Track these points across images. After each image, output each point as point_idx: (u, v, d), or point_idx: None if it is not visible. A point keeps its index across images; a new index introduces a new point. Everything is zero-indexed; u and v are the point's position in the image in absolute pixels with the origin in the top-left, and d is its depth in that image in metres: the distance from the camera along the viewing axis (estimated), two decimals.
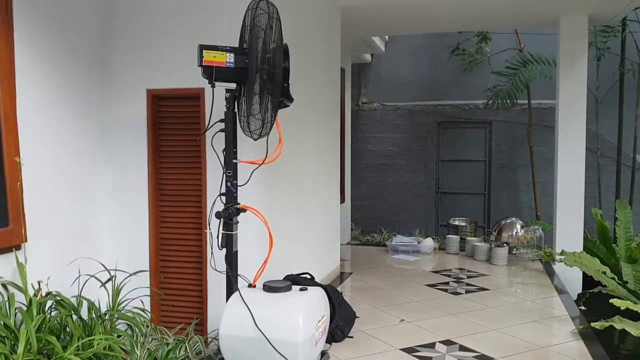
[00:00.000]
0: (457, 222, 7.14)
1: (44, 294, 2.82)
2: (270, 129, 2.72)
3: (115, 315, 3.10)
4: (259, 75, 2.72)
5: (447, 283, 5.15)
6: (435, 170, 8.15)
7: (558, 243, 5.68)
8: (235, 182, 2.92)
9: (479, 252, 6.20)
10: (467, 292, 4.84)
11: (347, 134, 7.52)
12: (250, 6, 2.79)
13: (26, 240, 2.82)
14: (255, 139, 2.77)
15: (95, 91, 3.51)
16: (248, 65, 2.75)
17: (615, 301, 3.57)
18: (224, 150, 2.92)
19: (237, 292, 2.80)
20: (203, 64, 2.72)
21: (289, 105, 2.84)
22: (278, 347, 2.60)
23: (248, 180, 2.98)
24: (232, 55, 2.76)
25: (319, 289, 3.06)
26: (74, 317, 2.78)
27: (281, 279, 3.38)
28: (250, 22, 2.79)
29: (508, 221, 6.40)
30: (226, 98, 2.88)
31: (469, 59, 7.64)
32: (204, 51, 2.71)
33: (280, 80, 2.66)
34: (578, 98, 5.67)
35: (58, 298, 2.82)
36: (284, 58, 2.68)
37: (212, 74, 2.73)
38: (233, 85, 2.86)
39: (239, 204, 2.93)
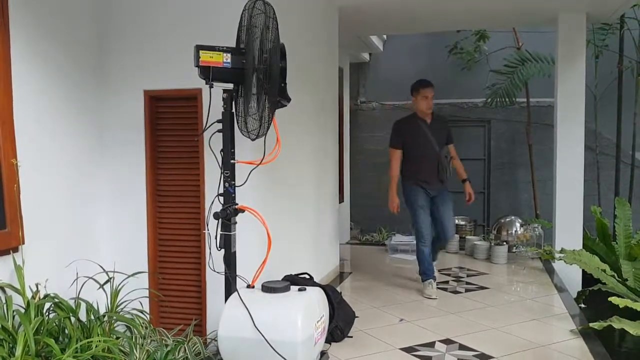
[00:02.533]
0: (456, 221, 7.13)
1: (41, 296, 2.81)
2: (267, 129, 2.71)
3: (114, 317, 3.09)
4: (256, 75, 2.71)
5: (447, 282, 5.15)
6: None
7: (557, 241, 5.68)
8: (233, 182, 2.92)
9: (478, 251, 6.19)
10: (466, 290, 4.84)
11: (346, 134, 7.51)
12: (246, 6, 2.78)
13: (23, 243, 2.81)
14: (252, 139, 2.77)
15: (92, 92, 3.50)
16: (245, 65, 2.74)
17: (614, 299, 3.57)
18: (221, 150, 2.91)
19: (236, 292, 2.80)
20: (200, 64, 2.70)
21: (286, 105, 2.83)
22: (277, 348, 2.59)
23: (246, 181, 2.98)
24: (229, 55, 2.75)
25: (318, 289, 3.06)
26: (72, 319, 2.77)
27: (280, 279, 3.37)
28: (247, 22, 2.78)
29: (507, 219, 6.40)
30: (223, 98, 2.87)
31: (467, 58, 7.63)
32: (200, 51, 2.70)
33: (277, 80, 2.65)
34: (577, 96, 5.67)
35: (56, 300, 2.81)
36: (281, 58, 2.68)
37: (209, 74, 2.72)
38: (230, 86, 2.85)
39: (237, 204, 2.93)
